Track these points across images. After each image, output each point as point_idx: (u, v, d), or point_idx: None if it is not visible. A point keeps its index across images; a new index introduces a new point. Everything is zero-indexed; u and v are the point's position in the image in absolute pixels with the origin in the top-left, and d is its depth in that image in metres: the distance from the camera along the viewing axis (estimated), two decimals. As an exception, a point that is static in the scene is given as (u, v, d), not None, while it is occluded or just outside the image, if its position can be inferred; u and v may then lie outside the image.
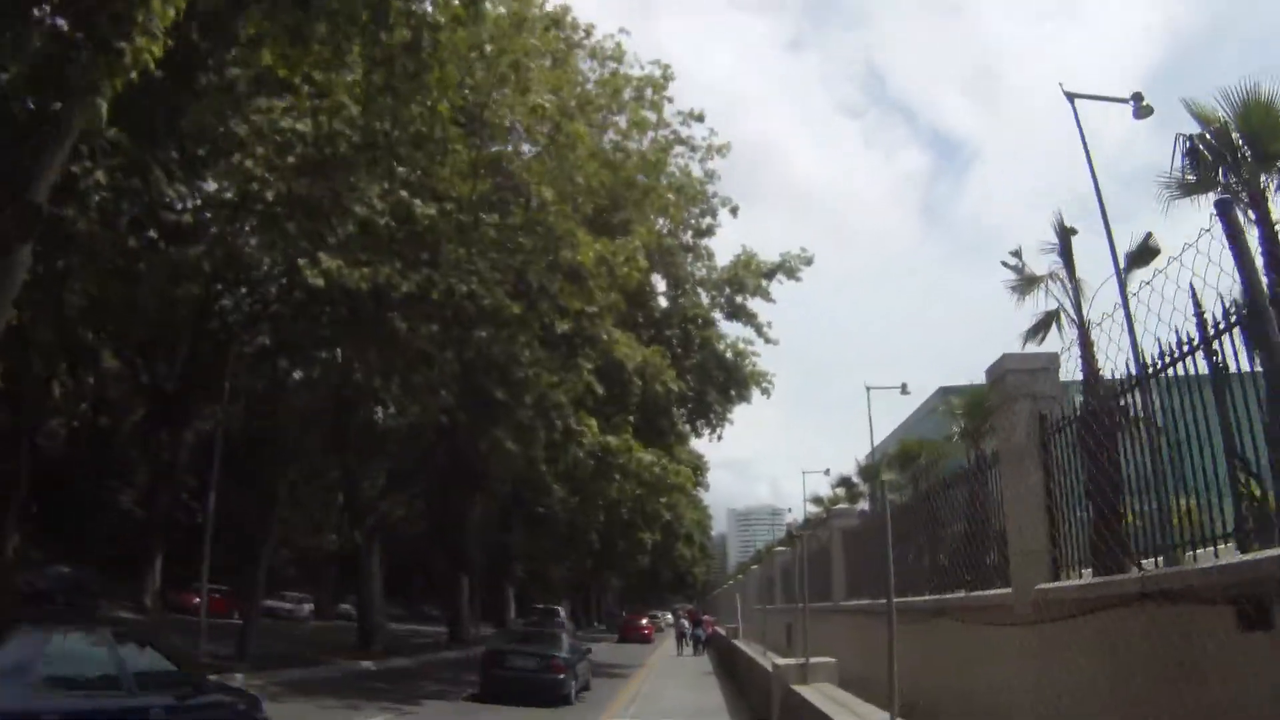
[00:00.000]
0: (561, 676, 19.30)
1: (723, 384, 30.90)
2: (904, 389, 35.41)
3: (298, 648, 27.05)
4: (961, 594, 7.88)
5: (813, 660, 11.33)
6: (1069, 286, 19.00)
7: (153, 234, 21.78)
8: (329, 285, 17.08)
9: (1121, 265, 15.92)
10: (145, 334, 26.41)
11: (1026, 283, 18.73)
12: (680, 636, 44.88)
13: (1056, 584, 6.06)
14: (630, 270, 19.71)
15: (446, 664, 29.84)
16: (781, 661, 12.57)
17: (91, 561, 36.41)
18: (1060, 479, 6.31)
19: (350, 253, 17.47)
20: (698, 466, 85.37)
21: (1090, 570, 5.87)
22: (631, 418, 24.21)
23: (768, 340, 31.08)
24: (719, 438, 33.77)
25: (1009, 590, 6.66)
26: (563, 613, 43.25)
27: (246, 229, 18.28)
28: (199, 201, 20.82)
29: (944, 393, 46.55)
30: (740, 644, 22.43)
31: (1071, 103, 16.83)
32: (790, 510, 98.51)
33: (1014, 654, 6.40)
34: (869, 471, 32.87)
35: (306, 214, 17.78)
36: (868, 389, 34.19)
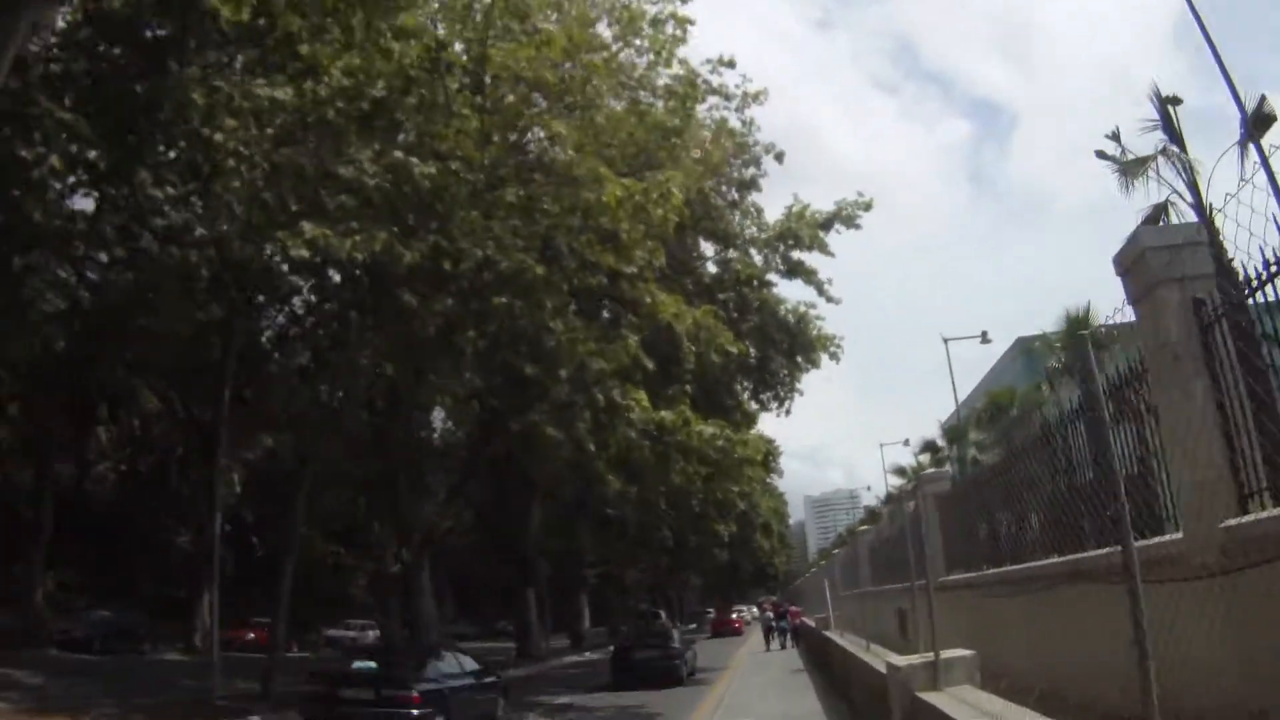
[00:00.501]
0: (677, 662, 24.24)
1: (787, 349, 27.98)
2: (984, 337, 32.12)
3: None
4: (1106, 550, 5.76)
5: (945, 655, 8.43)
6: (1181, 166, 15.91)
7: (144, 245, 20.13)
8: (316, 257, 14.75)
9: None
10: (173, 363, 25.01)
11: (1133, 165, 15.74)
12: (767, 631, 41.17)
13: (1250, 518, 4.51)
14: (665, 212, 16.82)
15: (514, 684, 27.46)
16: (899, 661, 9.64)
17: (142, 604, 35.27)
18: (1231, 383, 4.83)
19: (341, 222, 15.07)
20: (769, 451, 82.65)
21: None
22: (688, 388, 21.39)
23: (830, 299, 28.10)
24: (788, 411, 30.80)
25: (1177, 536, 5.25)
26: (664, 614, 45.23)
27: (225, 211, 15.91)
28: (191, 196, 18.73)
29: (1022, 343, 43.42)
30: (833, 635, 19.45)
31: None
32: (869, 488, 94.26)
33: (1194, 618, 4.60)
34: (954, 432, 29.72)
35: (289, 185, 15.46)
36: (945, 341, 31.01)
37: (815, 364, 28.70)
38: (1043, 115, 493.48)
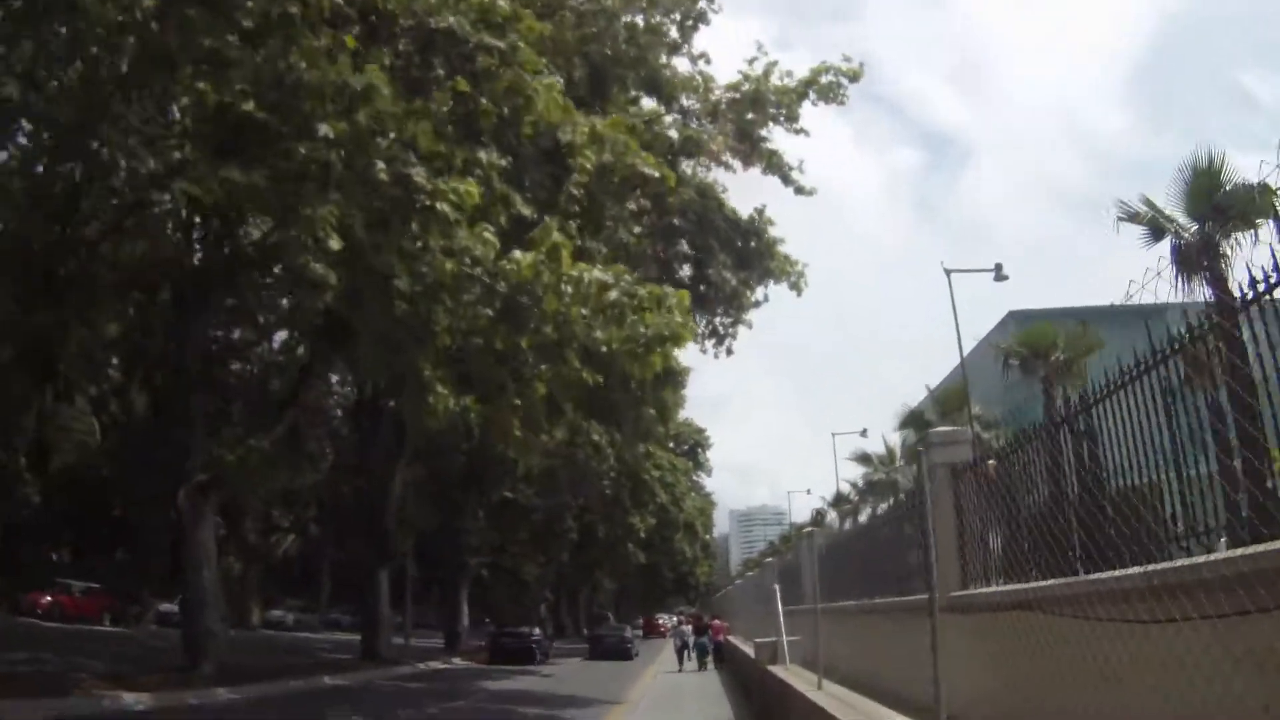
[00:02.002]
0: (630, 645, 40.94)
1: (739, 252, 20.02)
2: (999, 271, 24.50)
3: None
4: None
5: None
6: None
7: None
8: None
9: None
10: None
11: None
12: (681, 649, 33.20)
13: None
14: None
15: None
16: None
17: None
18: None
19: None
20: (698, 441, 74.17)
21: None
22: (575, 224, 13.04)
23: (800, 190, 20.25)
24: (729, 350, 22.72)
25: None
26: (612, 617, 60.49)
27: None
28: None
29: (1013, 317, 36.76)
30: (795, 680, 11.22)
31: None
32: (809, 492, 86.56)
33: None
34: (951, 400, 22.07)
35: None
36: (948, 273, 23.37)
37: (772, 275, 20.80)
38: (992, 151, 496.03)
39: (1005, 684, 6.23)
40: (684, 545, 72.57)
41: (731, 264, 19.71)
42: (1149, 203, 14.56)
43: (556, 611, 66.62)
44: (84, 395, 35.40)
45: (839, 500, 44.66)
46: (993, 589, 6.89)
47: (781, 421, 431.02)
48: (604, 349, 11.18)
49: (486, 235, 10.73)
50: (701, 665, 30.85)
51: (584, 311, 10.97)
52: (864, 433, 56.14)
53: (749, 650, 19.22)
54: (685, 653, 32.60)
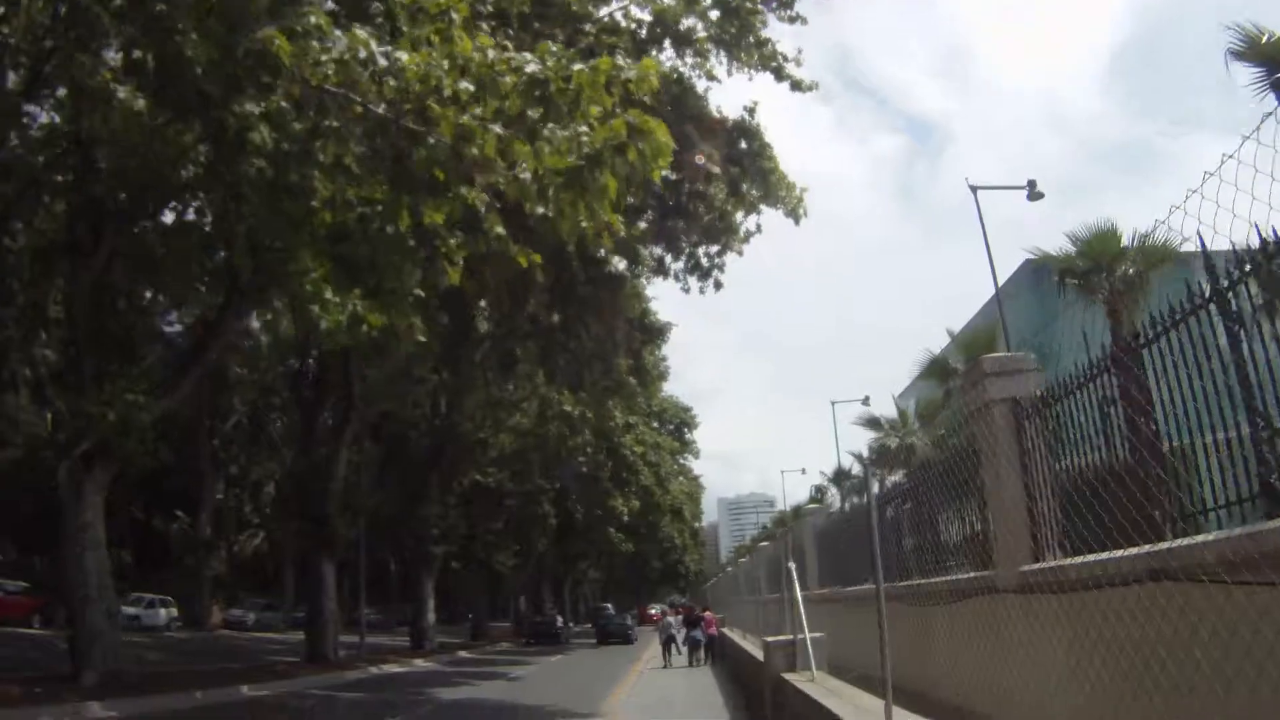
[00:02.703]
0: (630, 630, 48.08)
1: (738, 162, 16.46)
2: (1032, 189, 21.10)
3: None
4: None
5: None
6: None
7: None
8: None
9: None
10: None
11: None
12: (667, 643, 29.68)
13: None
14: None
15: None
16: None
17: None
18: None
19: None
20: (684, 420, 69.95)
21: None
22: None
23: (797, 86, 16.66)
24: (716, 284, 19.16)
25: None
26: (610, 608, 59.99)
27: None
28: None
29: (1032, 265, 33.33)
30: (817, 692, 7.59)
31: None
32: (803, 471, 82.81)
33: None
34: (979, 344, 18.51)
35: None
36: (974, 189, 20.07)
37: (769, 199, 17.27)
38: (973, 138, 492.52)
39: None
40: (672, 531, 68.60)
41: (719, 158, 16.09)
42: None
43: (539, 605, 61.71)
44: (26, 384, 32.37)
45: (840, 476, 40.89)
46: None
47: (769, 411, 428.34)
48: (530, 174, 7.44)
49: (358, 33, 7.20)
50: (693, 661, 27.28)
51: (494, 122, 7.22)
52: (866, 400, 52.94)
53: (750, 649, 15.61)
54: (672, 646, 29.36)
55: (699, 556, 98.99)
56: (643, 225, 17.10)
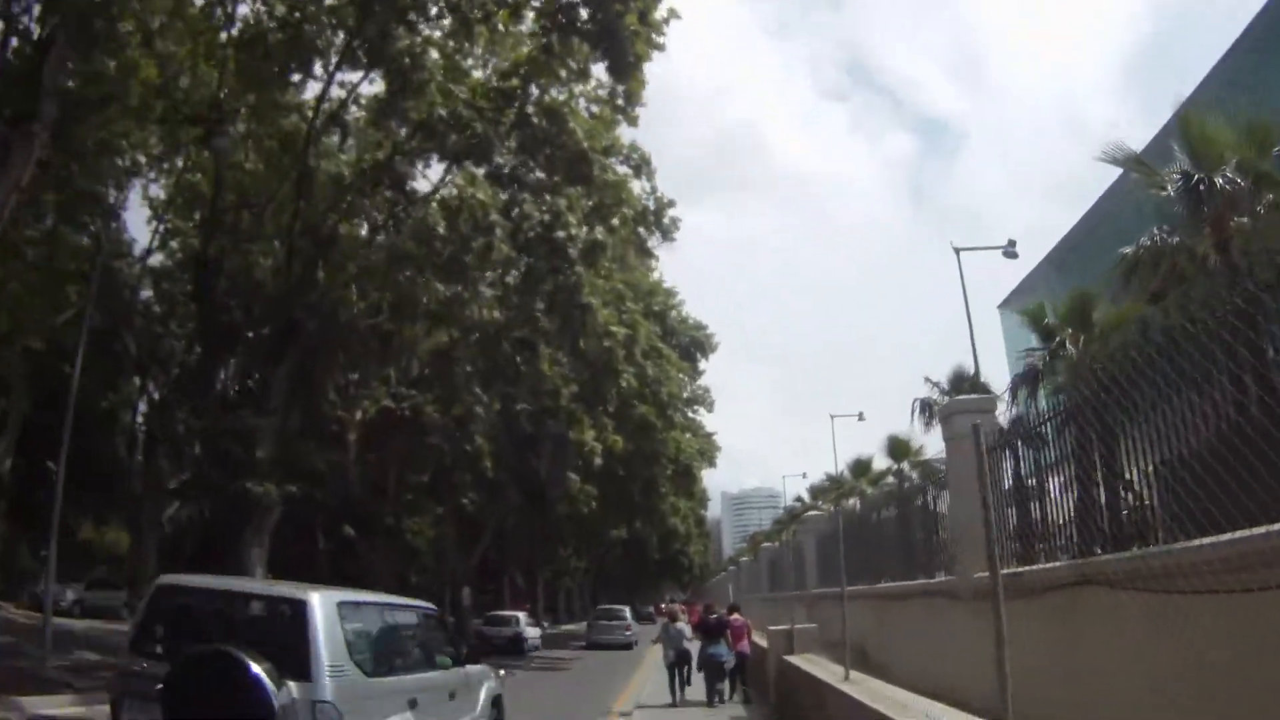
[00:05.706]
0: (630, 634, 40.46)
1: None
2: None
3: None
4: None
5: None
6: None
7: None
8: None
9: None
10: None
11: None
12: (674, 666, 17.59)
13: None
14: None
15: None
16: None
17: None
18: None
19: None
20: (695, 339, 52.93)
21: None
22: None
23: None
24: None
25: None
26: (627, 611, 44.68)
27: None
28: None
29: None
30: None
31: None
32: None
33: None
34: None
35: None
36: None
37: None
38: (989, 140, 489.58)
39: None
40: (674, 499, 51.13)
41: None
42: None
43: (498, 599, 48.35)
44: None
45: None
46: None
47: (769, 411, 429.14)
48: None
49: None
50: (714, 696, 16.53)
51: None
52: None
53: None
54: (682, 672, 17.62)
55: (704, 548, 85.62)
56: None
